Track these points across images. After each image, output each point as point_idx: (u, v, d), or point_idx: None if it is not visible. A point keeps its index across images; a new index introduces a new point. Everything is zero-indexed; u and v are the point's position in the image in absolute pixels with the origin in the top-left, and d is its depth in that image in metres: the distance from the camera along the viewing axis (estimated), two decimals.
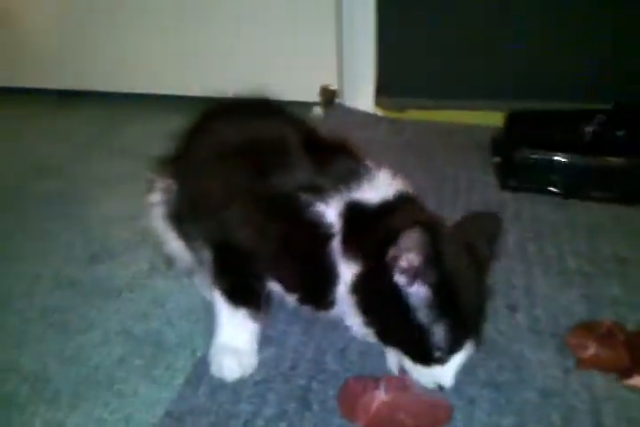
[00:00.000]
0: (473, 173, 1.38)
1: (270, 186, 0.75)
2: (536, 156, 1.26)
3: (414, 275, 0.67)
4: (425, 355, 0.70)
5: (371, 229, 0.71)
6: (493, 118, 1.53)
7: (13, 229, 1.20)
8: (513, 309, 0.93)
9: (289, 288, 0.78)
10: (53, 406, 0.78)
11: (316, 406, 0.76)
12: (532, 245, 1.10)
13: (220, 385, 0.80)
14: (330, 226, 0.72)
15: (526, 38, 1.60)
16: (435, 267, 0.66)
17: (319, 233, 0.73)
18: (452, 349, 0.69)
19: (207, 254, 0.81)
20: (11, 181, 1.42)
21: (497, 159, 1.38)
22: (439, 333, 0.67)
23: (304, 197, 0.73)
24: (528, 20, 1.59)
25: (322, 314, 0.80)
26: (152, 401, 0.78)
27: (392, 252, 0.66)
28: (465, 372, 0.80)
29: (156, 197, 0.91)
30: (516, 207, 1.23)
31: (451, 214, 0.85)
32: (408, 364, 0.72)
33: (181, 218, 0.87)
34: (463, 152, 1.48)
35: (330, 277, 0.73)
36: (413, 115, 1.73)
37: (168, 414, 0.76)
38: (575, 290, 0.97)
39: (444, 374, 0.70)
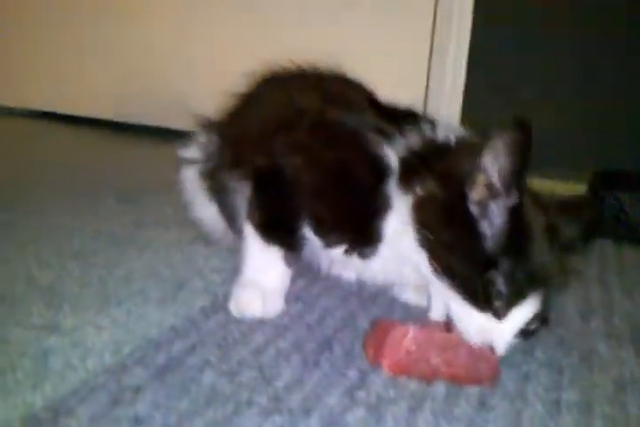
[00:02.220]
0: None
1: (337, 117, 0.72)
2: (622, 198, 1.16)
3: (496, 192, 0.60)
4: (483, 298, 0.59)
5: (436, 160, 0.66)
6: (578, 189, 1.46)
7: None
8: (586, 315, 0.80)
9: (324, 227, 0.71)
10: (54, 307, 0.71)
11: (337, 349, 0.65)
12: (614, 276, 0.97)
13: (237, 320, 0.70)
14: (389, 165, 0.68)
15: (613, 110, 1.57)
16: (521, 181, 0.59)
17: (376, 169, 0.68)
18: (514, 297, 0.59)
19: (247, 190, 0.76)
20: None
21: None
22: (504, 270, 0.58)
23: (370, 135, 0.69)
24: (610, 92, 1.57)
25: (357, 266, 0.72)
26: (159, 322, 0.69)
27: (471, 174, 0.60)
28: (521, 350, 0.68)
29: (192, 152, 0.88)
30: (599, 249, 1.10)
31: None
32: (458, 311, 0.62)
33: (219, 169, 0.83)
34: None
35: (379, 210, 0.67)
36: None
37: (172, 328, 0.67)
38: None
39: (499, 330, 0.60)
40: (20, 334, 0.65)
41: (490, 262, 0.59)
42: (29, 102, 2.08)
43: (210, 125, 0.89)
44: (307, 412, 0.53)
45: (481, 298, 0.59)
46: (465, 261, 0.60)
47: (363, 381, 0.59)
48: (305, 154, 0.71)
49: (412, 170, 0.67)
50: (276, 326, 0.70)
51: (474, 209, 0.61)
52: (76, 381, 0.55)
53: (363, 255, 0.70)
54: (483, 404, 0.57)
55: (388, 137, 0.69)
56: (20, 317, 0.69)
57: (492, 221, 0.60)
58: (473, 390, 0.59)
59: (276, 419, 0.52)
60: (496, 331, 0.60)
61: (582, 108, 1.61)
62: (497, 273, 0.58)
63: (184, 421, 0.51)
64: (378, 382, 0.59)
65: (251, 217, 0.74)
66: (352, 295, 0.80)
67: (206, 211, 0.88)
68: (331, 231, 0.70)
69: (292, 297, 0.77)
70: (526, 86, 1.64)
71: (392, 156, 0.68)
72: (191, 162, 0.89)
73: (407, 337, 0.60)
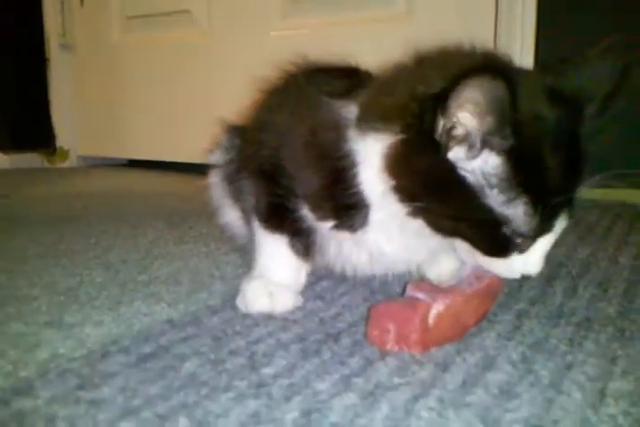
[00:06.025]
0: None
1: (309, 95, 0.66)
2: None
3: (482, 142, 0.51)
4: (503, 247, 0.53)
5: (402, 84, 0.57)
6: None
7: None
8: None
9: (314, 205, 0.64)
10: (63, 306, 0.69)
11: (345, 340, 0.58)
12: None
13: (244, 316, 0.65)
14: (345, 117, 0.60)
15: None
16: (511, 125, 0.49)
17: (334, 127, 0.60)
18: (540, 232, 0.52)
19: (251, 187, 0.72)
20: None
21: None
22: (519, 214, 0.51)
23: (326, 97, 0.63)
24: None
25: (360, 239, 0.64)
26: (161, 318, 0.65)
27: (447, 112, 0.50)
28: (567, 338, 0.57)
29: (218, 156, 0.86)
30: None
31: None
32: (481, 259, 0.56)
33: (237, 172, 0.78)
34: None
35: (348, 168, 0.59)
36: None
37: (169, 321, 0.63)
38: None
39: (531, 261, 0.54)
40: (21, 328, 0.63)
41: (499, 219, 0.51)
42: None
43: (233, 129, 0.86)
44: (287, 398, 0.46)
45: (502, 252, 0.54)
46: (470, 225, 0.53)
47: (364, 369, 0.51)
48: (288, 140, 0.66)
49: (374, 101, 0.59)
50: (285, 320, 0.64)
51: (457, 154, 0.52)
52: (52, 366, 0.52)
53: (354, 228, 0.62)
54: (505, 391, 0.47)
55: (348, 95, 0.62)
56: (28, 314, 0.67)
57: (486, 167, 0.51)
58: (494, 377, 0.49)
59: (250, 403, 0.45)
60: (526, 264, 0.54)
61: None
62: (511, 222, 0.51)
63: (148, 404, 0.45)
64: (383, 369, 0.51)
65: (255, 209, 0.70)
66: (377, 293, 0.73)
67: (230, 215, 0.85)
68: (316, 203, 0.64)
69: (313, 295, 0.71)
70: None
71: (350, 107, 0.60)
72: (216, 167, 0.86)
73: (432, 313, 0.54)
